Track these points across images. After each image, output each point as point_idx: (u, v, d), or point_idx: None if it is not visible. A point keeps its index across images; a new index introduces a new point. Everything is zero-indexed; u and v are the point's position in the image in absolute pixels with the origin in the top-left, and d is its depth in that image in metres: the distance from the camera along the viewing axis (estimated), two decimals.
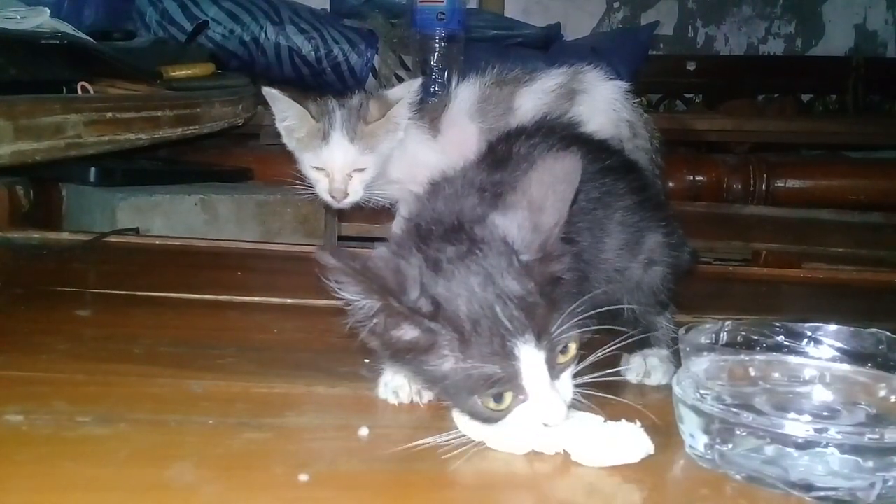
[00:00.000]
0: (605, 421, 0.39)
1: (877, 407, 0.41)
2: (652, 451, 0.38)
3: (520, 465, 0.38)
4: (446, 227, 0.40)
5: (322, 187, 0.69)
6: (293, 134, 0.69)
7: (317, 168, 0.68)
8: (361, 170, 0.68)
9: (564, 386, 0.38)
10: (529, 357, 0.36)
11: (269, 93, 0.69)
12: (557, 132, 0.49)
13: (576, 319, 0.37)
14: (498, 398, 0.37)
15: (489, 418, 0.37)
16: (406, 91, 0.69)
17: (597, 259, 0.47)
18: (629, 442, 0.38)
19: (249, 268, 0.77)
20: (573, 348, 0.38)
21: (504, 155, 0.47)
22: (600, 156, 0.49)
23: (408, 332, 0.37)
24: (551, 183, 0.37)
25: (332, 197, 0.69)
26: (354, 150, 0.67)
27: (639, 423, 0.38)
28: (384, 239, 0.46)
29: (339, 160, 0.67)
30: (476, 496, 0.37)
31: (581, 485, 0.37)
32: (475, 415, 0.37)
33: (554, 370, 0.37)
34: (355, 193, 0.69)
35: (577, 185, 0.38)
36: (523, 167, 0.44)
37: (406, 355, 0.38)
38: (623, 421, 0.39)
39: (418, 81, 0.70)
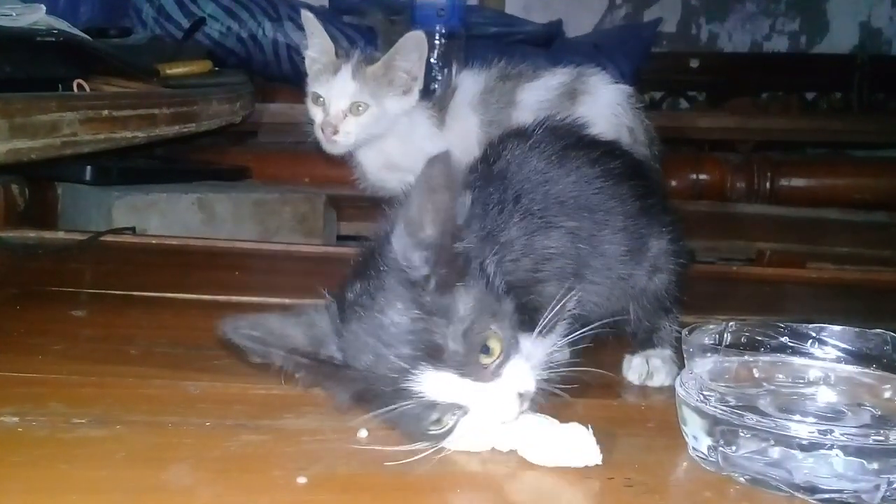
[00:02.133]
0: (556, 422, 0.39)
1: (882, 408, 0.40)
2: (599, 461, 0.37)
3: (526, 468, 0.38)
4: (366, 256, 0.40)
5: (318, 121, 0.71)
6: (313, 65, 0.72)
7: (317, 98, 0.71)
8: (358, 112, 0.69)
9: (513, 379, 0.37)
10: (435, 381, 0.35)
11: (308, 17, 0.71)
12: (561, 133, 0.48)
13: (492, 318, 0.36)
14: (435, 423, 0.37)
15: (442, 438, 0.37)
16: (406, 40, 0.70)
17: (597, 265, 0.45)
18: (576, 446, 0.37)
19: (247, 267, 0.77)
20: (495, 344, 0.36)
21: (498, 156, 0.45)
22: (605, 159, 0.48)
23: (336, 383, 0.38)
24: (428, 193, 0.35)
25: (323, 132, 0.70)
26: (354, 86, 0.69)
27: (590, 428, 0.38)
28: None
29: (336, 89, 0.69)
30: (479, 498, 0.36)
31: (589, 489, 0.36)
32: (430, 439, 0.37)
33: (482, 372, 0.36)
34: (346, 136, 0.70)
35: (455, 188, 0.35)
36: (516, 168, 0.44)
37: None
38: (576, 424, 0.38)
39: (420, 33, 0.71)
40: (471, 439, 0.38)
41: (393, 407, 0.36)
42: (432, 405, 0.36)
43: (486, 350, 0.36)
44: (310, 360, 0.37)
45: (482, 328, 0.36)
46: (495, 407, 0.36)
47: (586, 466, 0.37)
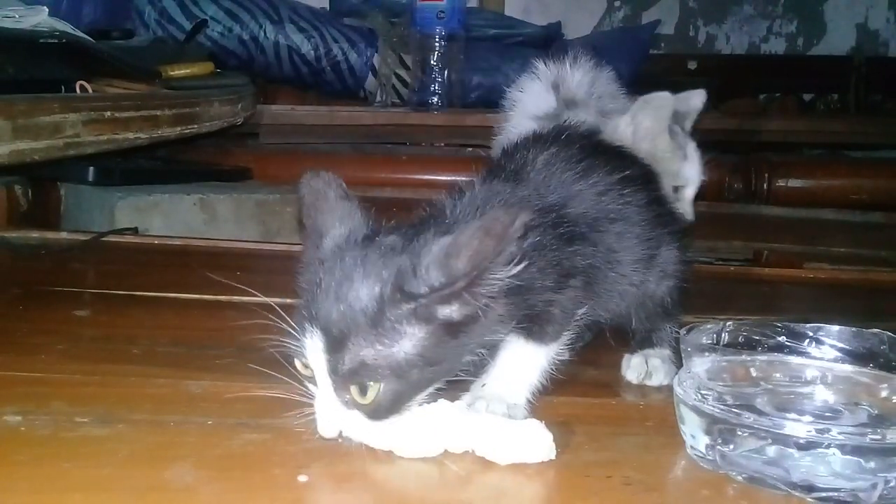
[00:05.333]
0: (510, 420, 0.39)
1: (879, 407, 0.40)
2: (553, 455, 0.37)
3: (528, 467, 0.38)
4: (423, 221, 0.40)
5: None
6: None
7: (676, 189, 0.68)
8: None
9: (350, 420, 0.37)
10: (313, 350, 0.36)
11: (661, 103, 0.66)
12: (576, 141, 0.47)
13: (398, 380, 0.36)
14: (304, 366, 0.38)
15: (297, 372, 0.38)
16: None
17: (613, 274, 0.45)
18: (531, 441, 0.37)
19: (249, 268, 0.77)
20: (371, 397, 0.36)
21: (520, 165, 0.45)
22: (620, 165, 0.47)
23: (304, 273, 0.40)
24: (482, 234, 0.35)
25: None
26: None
27: (542, 422, 0.38)
28: None
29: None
30: (480, 497, 0.36)
31: (588, 487, 0.37)
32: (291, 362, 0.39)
33: (343, 391, 0.36)
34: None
35: (508, 244, 0.34)
36: (541, 178, 0.43)
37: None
38: (531, 420, 0.39)
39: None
40: (421, 443, 0.37)
41: (291, 322, 0.37)
42: (304, 354, 0.37)
43: (363, 390, 0.36)
44: (311, 245, 0.39)
45: (383, 376, 0.35)
46: (319, 411, 0.37)
47: (543, 462, 0.37)
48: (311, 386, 0.38)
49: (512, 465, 0.37)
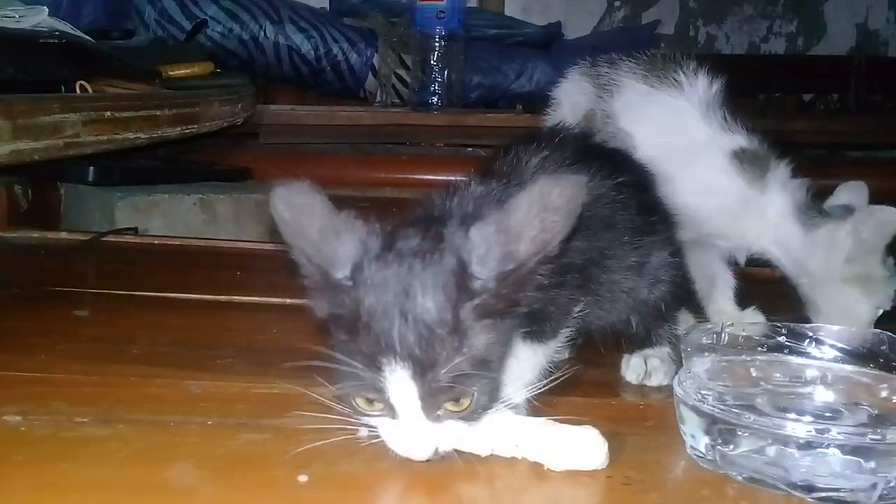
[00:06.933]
0: (561, 425, 0.38)
1: (878, 407, 0.40)
2: (605, 462, 0.37)
3: (526, 467, 0.38)
4: (425, 219, 0.38)
5: None
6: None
7: None
8: None
9: (444, 433, 0.35)
10: (398, 381, 0.34)
11: None
12: (570, 143, 0.47)
13: (486, 377, 0.34)
14: (365, 402, 0.35)
15: (354, 410, 0.36)
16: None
17: (604, 278, 0.45)
18: (585, 448, 0.37)
19: (248, 267, 0.77)
20: (466, 404, 0.34)
21: (511, 166, 0.44)
22: (614, 170, 0.46)
23: (324, 300, 0.35)
24: (539, 210, 0.32)
25: None
26: None
27: (597, 430, 0.37)
28: None
29: None
30: (479, 497, 0.36)
31: (588, 487, 0.37)
32: (343, 400, 0.36)
33: (433, 409, 0.34)
34: None
35: (573, 216, 0.33)
36: (530, 179, 0.42)
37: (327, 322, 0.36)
38: (586, 426, 0.38)
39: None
40: (470, 441, 0.37)
41: (351, 361, 0.33)
42: (380, 389, 0.34)
43: (456, 400, 0.35)
44: (318, 269, 0.34)
45: (470, 382, 0.34)
46: (408, 439, 0.35)
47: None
48: (370, 420, 0.36)
49: (507, 466, 0.37)
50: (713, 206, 0.58)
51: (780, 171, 0.59)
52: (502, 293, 0.34)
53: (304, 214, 0.35)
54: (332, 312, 0.35)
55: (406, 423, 0.35)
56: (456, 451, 0.37)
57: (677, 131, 0.60)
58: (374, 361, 0.34)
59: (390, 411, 0.35)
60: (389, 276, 0.34)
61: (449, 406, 0.35)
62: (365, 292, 0.34)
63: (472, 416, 0.35)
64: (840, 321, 0.54)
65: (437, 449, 0.36)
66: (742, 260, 0.62)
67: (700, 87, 0.61)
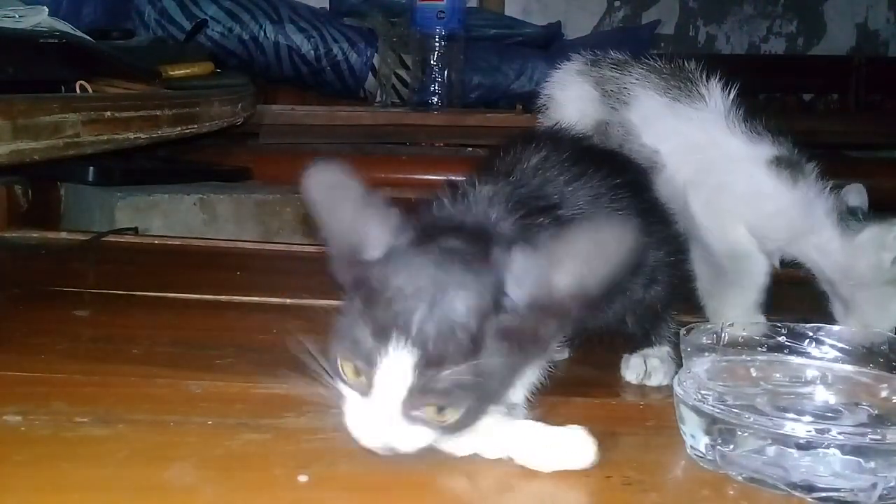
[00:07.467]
0: (548, 426, 0.37)
1: (879, 407, 0.40)
2: (595, 461, 0.37)
3: (526, 468, 0.38)
4: (465, 222, 0.37)
5: None
6: None
7: None
8: None
9: (408, 434, 0.33)
10: (396, 361, 0.32)
11: None
12: (567, 145, 0.47)
13: (480, 400, 0.33)
14: (353, 371, 0.34)
15: (335, 373, 0.35)
16: None
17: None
18: (575, 447, 0.37)
19: (248, 268, 0.77)
20: (451, 418, 0.33)
21: (512, 166, 0.44)
22: (612, 171, 0.46)
23: (347, 270, 0.35)
24: (593, 248, 0.32)
25: None
26: None
27: (586, 429, 0.37)
28: None
29: None
30: (479, 497, 0.36)
31: (587, 487, 0.37)
32: (329, 360, 0.35)
33: (414, 406, 0.33)
34: None
35: (619, 266, 0.32)
36: (535, 182, 0.42)
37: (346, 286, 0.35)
38: (572, 426, 0.38)
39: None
40: (455, 442, 0.36)
41: (360, 324, 0.33)
42: (372, 362, 0.33)
43: (440, 409, 0.33)
44: (349, 247, 0.34)
45: (464, 398, 0.33)
46: (370, 423, 0.34)
47: (593, 473, 0.37)
48: (344, 388, 0.34)
49: (509, 465, 0.37)
50: (771, 210, 0.58)
51: (812, 175, 0.59)
52: (528, 321, 0.34)
53: (337, 194, 0.36)
54: (356, 278, 0.35)
55: (378, 404, 0.33)
56: (453, 451, 0.37)
57: (708, 145, 0.59)
58: (384, 334, 0.33)
59: (369, 388, 0.33)
60: (426, 264, 0.34)
61: (430, 413, 0.34)
62: (395, 272, 0.34)
63: (445, 429, 0.34)
64: (880, 322, 0.54)
65: (394, 448, 0.34)
66: (777, 263, 0.61)
67: (719, 97, 0.60)
